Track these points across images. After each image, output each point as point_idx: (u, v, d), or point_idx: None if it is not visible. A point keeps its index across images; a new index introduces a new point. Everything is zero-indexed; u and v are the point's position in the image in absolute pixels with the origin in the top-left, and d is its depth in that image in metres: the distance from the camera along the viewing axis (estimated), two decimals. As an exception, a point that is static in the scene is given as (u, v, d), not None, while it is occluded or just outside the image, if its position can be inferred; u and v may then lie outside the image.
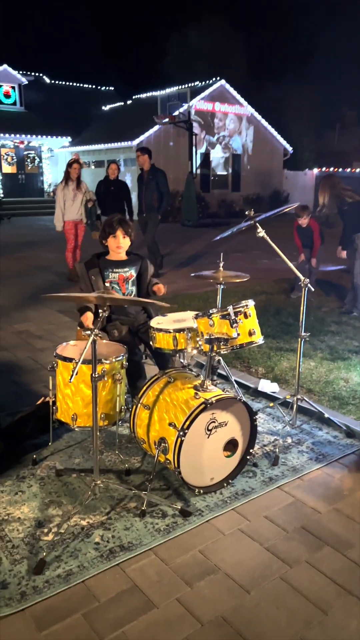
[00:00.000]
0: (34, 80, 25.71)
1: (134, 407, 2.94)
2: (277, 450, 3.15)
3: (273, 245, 3.21)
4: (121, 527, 2.49)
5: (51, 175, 23.05)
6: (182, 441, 2.58)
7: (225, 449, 2.82)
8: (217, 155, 21.72)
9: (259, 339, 2.90)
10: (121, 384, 2.91)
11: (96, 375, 2.46)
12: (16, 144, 22.31)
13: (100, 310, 2.49)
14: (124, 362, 2.96)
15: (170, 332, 3.06)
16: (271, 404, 3.70)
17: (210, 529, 2.51)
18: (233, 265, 3.63)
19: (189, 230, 16.24)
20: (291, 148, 23.85)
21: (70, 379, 2.25)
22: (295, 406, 3.39)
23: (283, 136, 23.50)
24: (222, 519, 2.59)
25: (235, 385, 3.63)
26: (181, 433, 2.58)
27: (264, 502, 2.73)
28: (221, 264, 3.44)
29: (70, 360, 2.82)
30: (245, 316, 2.84)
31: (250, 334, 2.85)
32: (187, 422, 2.59)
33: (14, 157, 22.49)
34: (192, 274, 3.53)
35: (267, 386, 4.08)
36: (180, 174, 18.96)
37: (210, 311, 2.82)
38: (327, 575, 2.24)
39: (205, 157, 21.16)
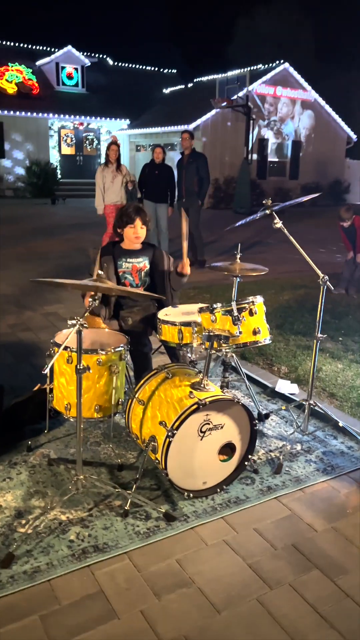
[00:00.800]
0: (98, 62, 25.81)
1: (129, 400, 2.82)
2: (281, 457, 2.94)
3: (291, 237, 2.97)
4: (100, 526, 2.39)
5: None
6: (170, 442, 2.43)
7: (221, 453, 2.65)
8: (276, 142, 21.09)
9: (264, 338, 2.70)
10: (118, 376, 2.79)
11: (81, 367, 2.34)
12: (76, 126, 22.53)
13: (89, 299, 2.37)
14: (123, 354, 2.84)
15: (176, 324, 2.91)
16: (283, 407, 3.49)
17: (193, 538, 2.36)
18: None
19: (240, 217, 15.86)
20: (356, 136, 22.83)
21: (44, 370, 2.15)
22: (306, 411, 3.16)
23: (348, 123, 22.52)
24: (208, 527, 2.43)
25: (247, 383, 3.44)
26: (170, 433, 2.43)
27: (256, 513, 2.55)
28: (238, 256, 3.25)
29: (65, 348, 2.72)
30: (251, 313, 2.65)
31: (255, 332, 2.66)
32: (177, 423, 2.44)
33: (73, 139, 22.74)
34: (207, 265, 3.34)
35: (285, 387, 3.85)
36: (236, 160, 18.59)
37: (214, 306, 2.65)
38: (310, 602, 2.05)
39: (263, 142, 20.59)
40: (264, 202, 2.98)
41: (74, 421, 2.90)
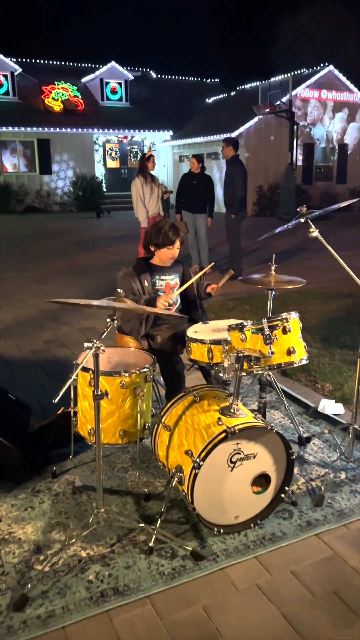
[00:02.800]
0: (141, 76, 26.09)
1: (155, 426, 2.64)
2: (323, 487, 2.68)
3: (328, 246, 2.73)
4: (122, 565, 2.21)
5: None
6: (196, 474, 2.23)
7: (255, 484, 2.43)
8: (322, 146, 20.58)
9: (300, 359, 2.46)
10: (143, 399, 2.62)
11: (98, 393, 2.19)
12: (120, 139, 22.81)
13: (108, 319, 2.22)
14: (149, 375, 2.67)
15: (205, 343, 2.72)
16: (326, 430, 3.22)
17: (222, 580, 2.15)
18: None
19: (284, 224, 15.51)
20: None
21: (54, 399, 2.00)
22: (351, 435, 2.89)
23: None
24: (239, 568, 2.21)
25: (286, 404, 3.20)
26: (195, 464, 2.24)
27: (294, 552, 2.30)
28: (273, 267, 3.03)
29: (88, 370, 2.59)
30: (284, 331, 2.42)
31: (289, 352, 2.42)
32: (204, 453, 2.24)
33: (118, 152, 23.02)
34: (240, 278, 3.14)
35: (329, 407, 3.57)
36: (281, 166, 18.24)
37: (244, 324, 2.44)
38: (353, 664, 1.79)
39: (309, 147, 20.13)
40: (298, 209, 2.76)
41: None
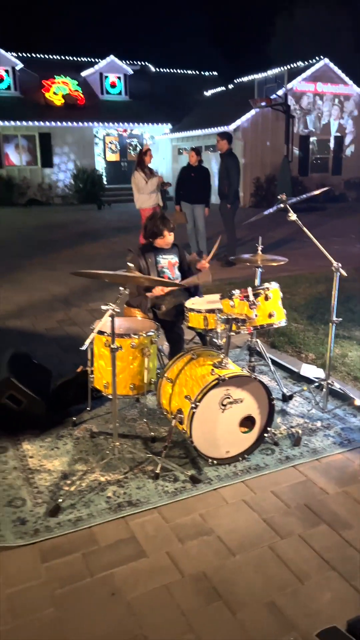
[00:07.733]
0: (140, 70, 26.44)
1: (159, 380, 3.16)
2: (300, 431, 3.20)
3: (305, 229, 3.23)
4: (134, 486, 2.73)
5: (152, 163, 23.62)
6: (194, 413, 2.75)
7: (242, 425, 2.94)
8: (317, 138, 20.99)
9: (279, 321, 2.97)
10: (150, 358, 3.14)
11: (114, 347, 2.70)
12: (120, 133, 23.20)
13: (121, 288, 2.73)
14: (154, 338, 3.18)
15: (201, 312, 3.23)
16: (305, 388, 3.73)
17: (215, 497, 2.67)
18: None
19: (282, 215, 15.96)
20: None
21: (83, 346, 2.51)
22: (325, 390, 3.40)
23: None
24: (229, 489, 2.73)
25: (271, 367, 3.71)
26: (193, 405, 2.75)
27: (274, 478, 2.82)
28: (259, 248, 3.53)
29: (102, 333, 3.10)
30: (266, 298, 2.93)
31: (270, 315, 2.93)
32: (200, 396, 2.76)
33: (118, 146, 23.43)
34: (231, 258, 3.65)
35: (310, 371, 4.09)
36: (277, 159, 18.66)
37: (232, 292, 2.95)
38: (316, 549, 2.31)
39: (305, 139, 20.54)
40: (278, 197, 3.26)
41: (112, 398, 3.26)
